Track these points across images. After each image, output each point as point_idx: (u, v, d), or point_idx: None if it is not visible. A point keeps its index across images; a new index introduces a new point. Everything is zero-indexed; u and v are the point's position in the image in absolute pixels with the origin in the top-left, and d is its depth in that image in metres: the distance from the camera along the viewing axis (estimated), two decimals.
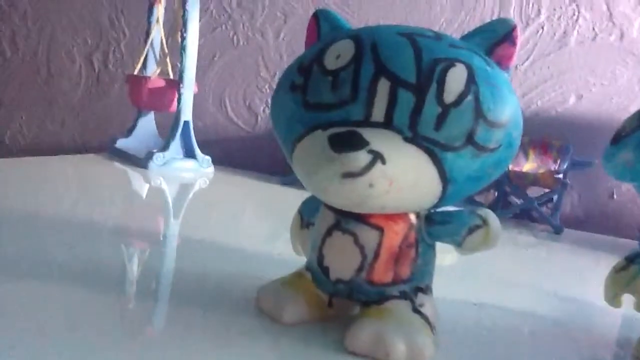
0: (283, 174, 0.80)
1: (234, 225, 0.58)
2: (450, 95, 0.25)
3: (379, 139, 0.25)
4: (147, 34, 0.84)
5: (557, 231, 0.71)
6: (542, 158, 0.76)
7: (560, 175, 0.71)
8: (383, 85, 0.26)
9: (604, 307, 0.34)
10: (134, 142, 0.85)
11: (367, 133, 0.25)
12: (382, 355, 0.27)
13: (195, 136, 0.80)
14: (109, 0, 1.02)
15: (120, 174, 0.78)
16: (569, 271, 0.57)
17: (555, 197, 0.73)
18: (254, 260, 0.44)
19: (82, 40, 1.04)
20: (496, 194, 0.76)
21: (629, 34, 0.76)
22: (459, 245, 0.29)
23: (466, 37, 0.28)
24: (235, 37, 0.94)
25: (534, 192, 0.75)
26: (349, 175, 0.25)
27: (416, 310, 0.29)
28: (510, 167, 0.74)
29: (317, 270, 0.30)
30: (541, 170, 0.74)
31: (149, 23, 0.84)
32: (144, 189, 0.73)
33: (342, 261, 0.29)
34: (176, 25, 0.80)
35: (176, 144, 0.78)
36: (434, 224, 0.29)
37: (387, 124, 0.26)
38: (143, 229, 0.51)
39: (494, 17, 0.81)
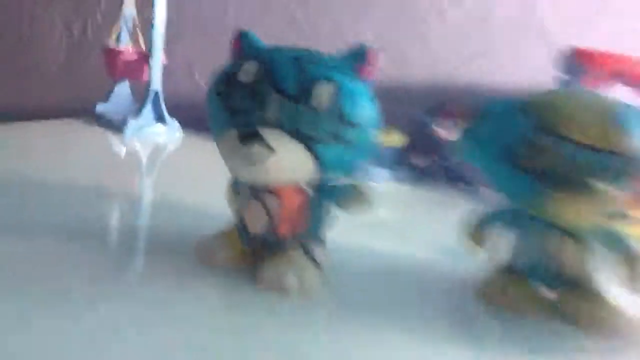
0: None
1: (198, 183, 0.69)
2: (321, 104, 0.36)
3: (271, 136, 0.36)
4: (120, 5, 0.92)
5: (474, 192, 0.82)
6: None
7: None
8: (275, 98, 0.37)
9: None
10: (112, 107, 0.95)
11: (263, 132, 0.36)
12: (279, 289, 0.39)
13: (165, 105, 0.90)
14: None
15: (99, 138, 0.88)
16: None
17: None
18: (208, 214, 0.55)
19: (61, 10, 1.11)
20: (427, 159, 0.88)
21: (549, 17, 0.86)
22: (340, 207, 0.41)
23: (340, 58, 0.39)
24: (200, 14, 1.03)
25: None
26: (251, 159, 0.36)
27: (308, 256, 0.41)
28: (439, 132, 0.85)
29: (240, 227, 0.42)
30: None
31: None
32: (120, 152, 0.84)
33: (256, 220, 0.41)
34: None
35: (148, 111, 0.88)
36: (321, 191, 0.41)
37: (278, 125, 0.37)
38: (120, 188, 0.62)
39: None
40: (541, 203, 0.39)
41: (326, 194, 0.41)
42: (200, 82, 1.05)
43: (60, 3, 1.12)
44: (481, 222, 0.44)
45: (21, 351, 0.29)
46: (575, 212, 0.38)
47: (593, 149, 0.37)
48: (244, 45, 0.41)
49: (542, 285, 0.42)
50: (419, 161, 0.90)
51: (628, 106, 0.39)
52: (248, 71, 0.38)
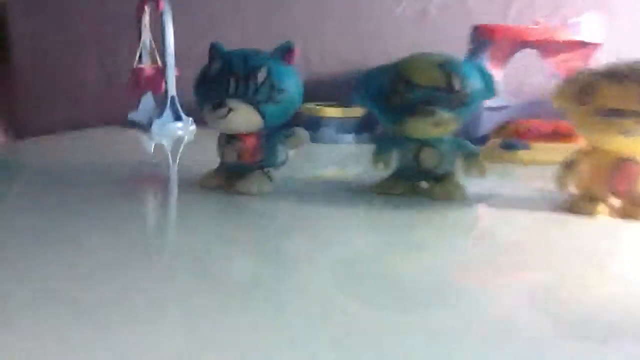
0: None
1: (209, 160, 0.95)
2: (260, 80, 0.62)
3: (232, 102, 0.62)
4: (139, 37, 1.20)
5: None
6: None
7: None
8: (232, 79, 0.62)
9: None
10: (140, 115, 1.22)
11: (227, 100, 0.62)
12: (248, 191, 0.65)
13: (181, 106, 1.17)
14: (113, 16, 1.38)
15: (133, 138, 1.15)
16: None
17: None
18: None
19: (98, 45, 1.40)
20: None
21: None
22: (284, 144, 0.67)
23: (273, 51, 0.64)
24: (202, 35, 1.30)
25: None
26: (220, 117, 0.62)
27: (264, 174, 0.66)
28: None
29: (223, 161, 0.68)
30: None
31: (140, 30, 1.19)
32: (150, 145, 1.11)
33: (230, 156, 0.66)
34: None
35: (167, 112, 1.15)
36: (269, 136, 0.66)
37: (235, 95, 0.62)
38: (151, 173, 0.88)
39: None
40: (404, 126, 0.63)
41: (272, 136, 0.66)
42: None
43: (95, 41, 1.41)
44: (379, 145, 0.69)
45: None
46: (422, 129, 0.63)
47: (427, 88, 0.61)
48: (214, 51, 0.67)
49: (417, 180, 0.67)
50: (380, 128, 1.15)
51: (452, 58, 0.64)
52: (215, 67, 0.64)
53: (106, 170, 0.82)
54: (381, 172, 0.68)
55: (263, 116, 0.63)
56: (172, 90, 1.15)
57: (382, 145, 0.69)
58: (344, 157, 0.97)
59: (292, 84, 0.63)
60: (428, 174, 0.65)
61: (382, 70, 0.66)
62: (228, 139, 0.66)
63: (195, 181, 0.71)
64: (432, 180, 0.66)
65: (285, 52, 0.64)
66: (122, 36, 1.36)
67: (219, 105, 0.62)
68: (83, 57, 1.42)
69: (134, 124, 1.20)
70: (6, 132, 1.43)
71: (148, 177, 0.79)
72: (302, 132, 0.67)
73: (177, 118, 1.16)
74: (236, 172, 0.67)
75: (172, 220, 0.62)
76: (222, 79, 0.63)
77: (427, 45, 0.74)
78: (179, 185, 0.76)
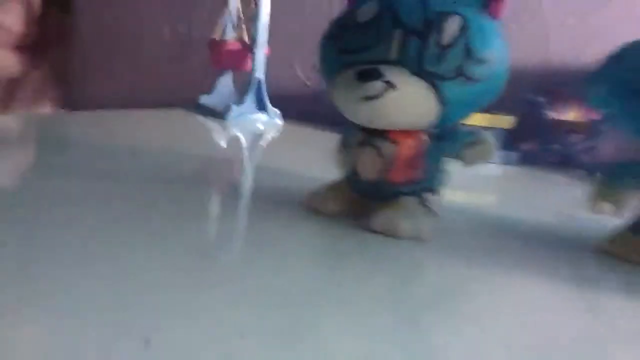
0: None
1: (300, 167, 0.69)
2: (447, 39, 0.34)
3: (392, 73, 0.35)
4: (226, 3, 0.95)
5: (591, 173, 0.77)
6: (584, 110, 0.81)
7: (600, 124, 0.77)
8: (398, 33, 0.35)
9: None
10: (215, 99, 0.97)
11: (384, 68, 0.35)
12: (393, 232, 0.37)
13: (267, 94, 0.91)
14: None
15: (203, 125, 0.91)
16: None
17: (592, 144, 0.79)
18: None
19: (168, 13, 1.17)
20: (538, 142, 0.83)
21: None
22: (459, 157, 0.39)
23: None
24: (304, 6, 1.04)
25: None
26: (369, 97, 0.35)
27: (422, 203, 0.38)
28: (553, 115, 0.80)
29: (351, 176, 0.40)
30: (582, 120, 0.80)
31: None
32: (223, 137, 0.85)
33: (369, 167, 0.39)
34: None
35: (250, 99, 0.90)
36: (440, 139, 0.39)
37: (400, 62, 0.35)
38: (222, 172, 0.62)
39: None
40: None
41: (445, 142, 0.39)
42: (301, 75, 1.06)
43: (166, 4, 1.17)
44: (609, 177, 0.40)
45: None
46: None
47: None
48: None
49: None
50: (527, 145, 0.86)
51: None
52: (367, 11, 0.37)
53: (164, 161, 0.60)
54: (602, 217, 0.40)
55: (444, 102, 0.35)
56: (260, 73, 0.90)
57: (620, 176, 0.40)
58: (492, 182, 0.69)
59: (497, 52, 0.36)
60: None
61: None
62: (367, 139, 0.39)
63: (278, 192, 0.45)
64: None
65: None
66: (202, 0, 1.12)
67: (369, 74, 0.35)
68: (152, 22, 1.18)
69: (206, 109, 0.95)
70: (59, 102, 1.22)
71: (215, 177, 0.59)
72: (491, 141, 0.39)
73: (262, 107, 0.91)
74: (373, 197, 0.40)
75: (237, 247, 0.34)
76: (378, 31, 0.36)
77: None
78: (255, 196, 0.49)
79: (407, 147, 0.38)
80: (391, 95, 0.34)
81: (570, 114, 0.81)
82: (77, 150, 0.62)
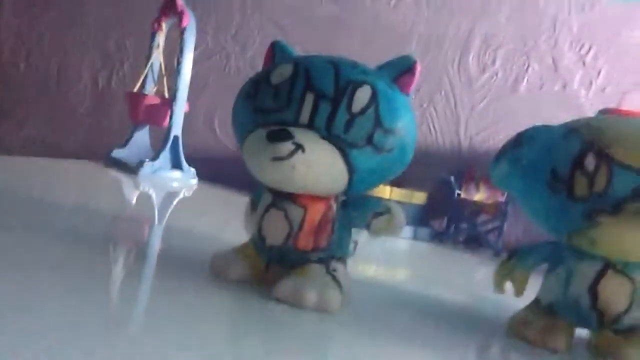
0: None
1: (211, 229, 0.67)
2: (357, 107, 0.35)
3: (302, 135, 0.34)
4: (148, 57, 0.94)
5: (497, 254, 0.79)
6: (492, 191, 0.85)
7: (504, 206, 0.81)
8: (309, 97, 0.35)
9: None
10: (128, 153, 0.94)
11: (294, 131, 0.34)
12: (298, 302, 0.35)
13: (183, 152, 0.89)
14: (117, 25, 1.12)
15: (113, 180, 0.87)
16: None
17: (498, 225, 0.82)
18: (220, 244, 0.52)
19: (90, 59, 1.14)
20: (447, 220, 0.85)
21: (571, 85, 0.86)
22: (367, 227, 0.38)
23: (379, 67, 0.38)
24: (227, 66, 1.04)
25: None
26: (278, 158, 0.34)
27: (329, 273, 0.37)
28: (462, 195, 0.83)
29: (257, 239, 0.39)
30: (489, 201, 0.83)
31: (150, 48, 0.94)
32: (134, 194, 0.82)
33: (275, 231, 0.38)
34: (175, 49, 0.90)
35: (165, 155, 0.87)
36: (348, 207, 0.38)
37: (310, 125, 0.35)
38: (130, 231, 0.58)
39: (456, 62, 0.91)
40: (590, 231, 0.36)
41: (354, 211, 0.38)
42: (220, 135, 1.04)
43: (88, 55, 1.14)
44: (512, 257, 0.41)
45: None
46: (630, 242, 0.35)
47: None
48: (276, 53, 0.40)
49: (575, 323, 0.38)
50: (437, 223, 0.88)
51: None
52: (282, 73, 0.37)
53: (70, 215, 0.56)
54: (506, 296, 0.40)
55: (353, 169, 0.35)
56: (177, 129, 0.88)
57: (524, 258, 0.41)
58: (402, 256, 0.69)
59: (406, 124, 0.36)
60: (606, 320, 0.37)
61: (553, 132, 0.39)
62: (275, 201, 0.38)
63: (187, 255, 0.42)
64: (611, 333, 0.38)
65: (401, 71, 0.37)
66: (126, 50, 1.10)
67: (279, 135, 0.34)
68: (69, 72, 1.14)
69: (118, 163, 0.91)
70: None
71: (123, 236, 0.53)
72: (398, 212, 0.38)
73: (176, 165, 0.88)
74: (278, 263, 0.38)
75: (139, 312, 0.31)
76: (291, 94, 0.35)
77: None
78: (162, 258, 0.46)
79: (315, 212, 0.37)
80: (300, 157, 0.34)
81: (479, 195, 0.84)
82: None
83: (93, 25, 1.14)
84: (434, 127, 0.91)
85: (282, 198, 0.37)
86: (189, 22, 0.88)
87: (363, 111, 0.35)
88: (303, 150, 0.34)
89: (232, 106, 0.40)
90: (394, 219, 0.38)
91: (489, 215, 0.82)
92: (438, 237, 0.81)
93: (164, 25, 0.94)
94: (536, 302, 0.40)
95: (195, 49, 0.89)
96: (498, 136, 0.88)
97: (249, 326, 0.33)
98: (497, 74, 0.89)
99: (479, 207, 0.81)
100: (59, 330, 0.24)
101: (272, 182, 0.36)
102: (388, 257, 0.68)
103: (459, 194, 0.82)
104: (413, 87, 0.38)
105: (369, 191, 0.38)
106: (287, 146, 0.34)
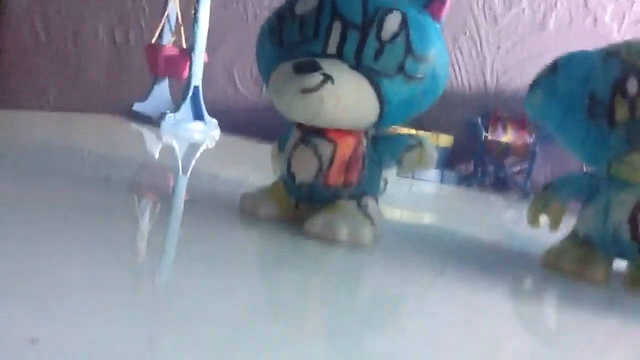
0: None
1: (236, 175, 0.66)
2: (386, 34, 0.33)
3: (330, 66, 0.33)
4: (164, 8, 0.92)
5: (526, 195, 0.78)
6: (519, 132, 0.83)
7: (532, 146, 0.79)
8: (336, 26, 0.34)
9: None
10: (149, 106, 0.94)
11: (322, 61, 0.33)
12: (330, 236, 0.35)
13: (204, 104, 0.88)
14: None
15: (136, 132, 0.86)
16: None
17: (526, 166, 0.80)
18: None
19: (105, 17, 1.12)
20: (474, 163, 0.84)
21: (602, 19, 0.82)
22: (398, 161, 0.37)
23: None
24: (244, 15, 1.02)
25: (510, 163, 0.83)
26: (306, 90, 0.33)
27: (360, 208, 0.37)
28: (489, 137, 0.81)
29: (286, 177, 0.38)
30: (517, 142, 0.81)
31: None
32: (156, 146, 0.81)
33: (305, 168, 0.37)
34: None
35: (187, 107, 0.87)
36: (378, 142, 0.37)
37: (338, 55, 0.34)
38: (155, 182, 0.57)
39: (480, 0, 0.88)
40: (631, 158, 0.34)
41: (384, 145, 0.37)
42: (240, 86, 1.03)
43: (104, 12, 1.13)
44: (549, 191, 0.40)
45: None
46: None
47: None
48: None
49: (613, 254, 0.37)
50: (465, 166, 0.86)
51: None
52: (307, 2, 0.35)
53: (96, 166, 0.56)
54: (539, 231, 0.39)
55: (384, 100, 0.34)
56: (197, 80, 0.87)
57: (559, 190, 0.40)
58: (430, 199, 0.68)
59: (438, 51, 0.35)
60: (633, 248, 0.36)
61: (588, 57, 0.37)
62: (304, 138, 0.37)
63: (213, 202, 0.42)
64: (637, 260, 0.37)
65: None
66: (141, 3, 1.09)
67: (307, 66, 0.33)
68: (86, 30, 1.13)
69: (140, 116, 0.91)
70: None
71: (146, 184, 0.50)
72: (430, 146, 0.37)
73: (198, 116, 0.88)
74: (308, 200, 0.38)
75: (168, 259, 0.31)
76: (317, 24, 0.34)
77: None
78: (189, 206, 0.45)
79: (345, 147, 0.36)
80: (329, 88, 0.33)
81: (506, 136, 0.82)
82: (5, 150, 0.57)
83: None
84: (459, 68, 0.89)
85: (311, 134, 0.37)
86: None
87: (393, 38, 0.33)
88: (332, 81, 0.33)
89: (256, 43, 0.39)
90: (426, 152, 0.37)
91: (516, 156, 0.80)
92: (465, 181, 0.80)
93: None
94: (573, 234, 0.39)
95: None
96: (525, 75, 0.85)
97: (281, 263, 0.33)
98: (523, 11, 0.86)
99: (506, 149, 0.80)
100: (85, 282, 0.24)
101: (300, 115, 0.35)
102: (415, 200, 0.67)
103: (485, 136, 0.80)
104: (444, 13, 0.36)
105: (399, 126, 0.37)
106: (316, 77, 0.33)
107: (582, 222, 0.39)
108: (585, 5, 0.83)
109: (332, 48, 0.34)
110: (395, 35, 0.33)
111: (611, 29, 0.82)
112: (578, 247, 0.38)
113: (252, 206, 0.39)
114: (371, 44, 0.33)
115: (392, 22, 0.33)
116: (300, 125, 0.37)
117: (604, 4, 0.83)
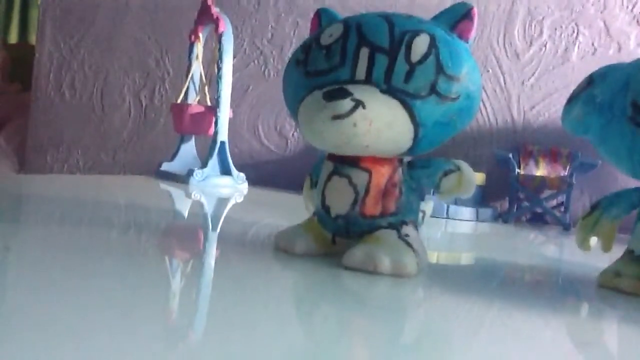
0: None
1: (267, 227, 0.65)
2: (416, 56, 0.33)
3: (360, 91, 0.32)
4: (188, 69, 0.94)
5: (566, 228, 0.75)
6: (552, 165, 0.81)
7: (568, 178, 0.76)
8: (364, 52, 0.33)
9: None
10: (177, 165, 0.94)
11: (351, 88, 0.33)
12: (371, 268, 0.33)
13: (232, 154, 0.89)
14: (154, 44, 1.14)
15: (164, 191, 0.86)
16: (573, 255, 0.61)
17: (564, 199, 0.78)
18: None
19: (131, 80, 1.16)
20: (509, 199, 0.81)
21: (626, 46, 0.81)
22: (436, 187, 0.36)
23: (434, 18, 0.36)
24: (266, 70, 1.04)
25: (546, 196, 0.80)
26: (337, 117, 0.32)
27: (401, 238, 0.35)
28: (521, 172, 0.79)
29: (321, 211, 0.37)
30: (552, 176, 0.79)
31: (190, 59, 0.94)
32: (185, 203, 0.81)
33: (340, 199, 0.36)
34: (213, 58, 0.90)
35: (214, 162, 0.87)
36: (415, 168, 0.36)
37: (367, 80, 0.33)
38: (184, 240, 0.55)
39: (500, 37, 0.88)
40: None
41: (421, 171, 0.36)
42: (264, 139, 1.04)
43: (130, 75, 1.16)
44: (597, 211, 0.38)
45: None
46: None
47: None
48: (322, 18, 0.39)
49: None
50: (499, 203, 0.84)
51: None
52: (332, 33, 0.35)
53: (124, 224, 0.55)
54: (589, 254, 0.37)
55: (418, 122, 0.33)
56: (223, 135, 0.88)
57: (609, 207, 0.38)
58: (467, 237, 0.66)
59: (469, 70, 0.34)
60: None
61: (626, 69, 0.36)
62: (337, 168, 0.36)
63: (243, 256, 0.40)
64: None
65: (458, 19, 0.35)
66: (165, 66, 1.12)
67: (337, 93, 0.32)
68: (112, 94, 1.16)
69: (168, 175, 0.91)
70: (20, 164, 1.17)
71: (176, 242, 0.51)
72: (469, 170, 0.36)
73: (225, 171, 0.88)
74: (347, 232, 0.36)
75: (201, 316, 0.29)
76: (344, 51, 0.34)
77: None
78: (222, 258, 0.43)
79: (380, 175, 0.35)
80: (361, 112, 0.32)
81: (539, 170, 0.80)
82: (35, 214, 0.56)
83: (131, 46, 1.16)
84: (485, 105, 0.88)
85: (344, 164, 0.36)
86: (226, 27, 0.87)
87: (423, 59, 0.33)
88: (364, 106, 0.32)
89: (283, 77, 0.38)
90: (465, 176, 0.36)
91: (553, 189, 0.78)
92: (501, 217, 0.77)
93: (200, 36, 0.94)
94: (628, 252, 0.37)
95: (233, 56, 0.89)
96: (553, 108, 0.84)
97: (320, 301, 0.31)
98: (545, 45, 0.85)
99: (541, 183, 0.77)
100: (119, 341, 0.22)
101: (333, 143, 0.34)
102: (451, 239, 0.65)
103: (518, 172, 0.78)
104: (472, 34, 0.35)
105: (437, 145, 0.36)
106: (347, 103, 0.32)
107: (636, 239, 0.37)
108: (608, 33, 0.83)
109: (360, 74, 0.33)
110: (425, 56, 0.33)
111: (636, 54, 0.81)
112: (636, 265, 0.36)
113: (287, 244, 0.38)
114: (401, 66, 0.32)
115: (421, 44, 0.33)
116: (332, 157, 0.36)
117: (626, 31, 0.82)
